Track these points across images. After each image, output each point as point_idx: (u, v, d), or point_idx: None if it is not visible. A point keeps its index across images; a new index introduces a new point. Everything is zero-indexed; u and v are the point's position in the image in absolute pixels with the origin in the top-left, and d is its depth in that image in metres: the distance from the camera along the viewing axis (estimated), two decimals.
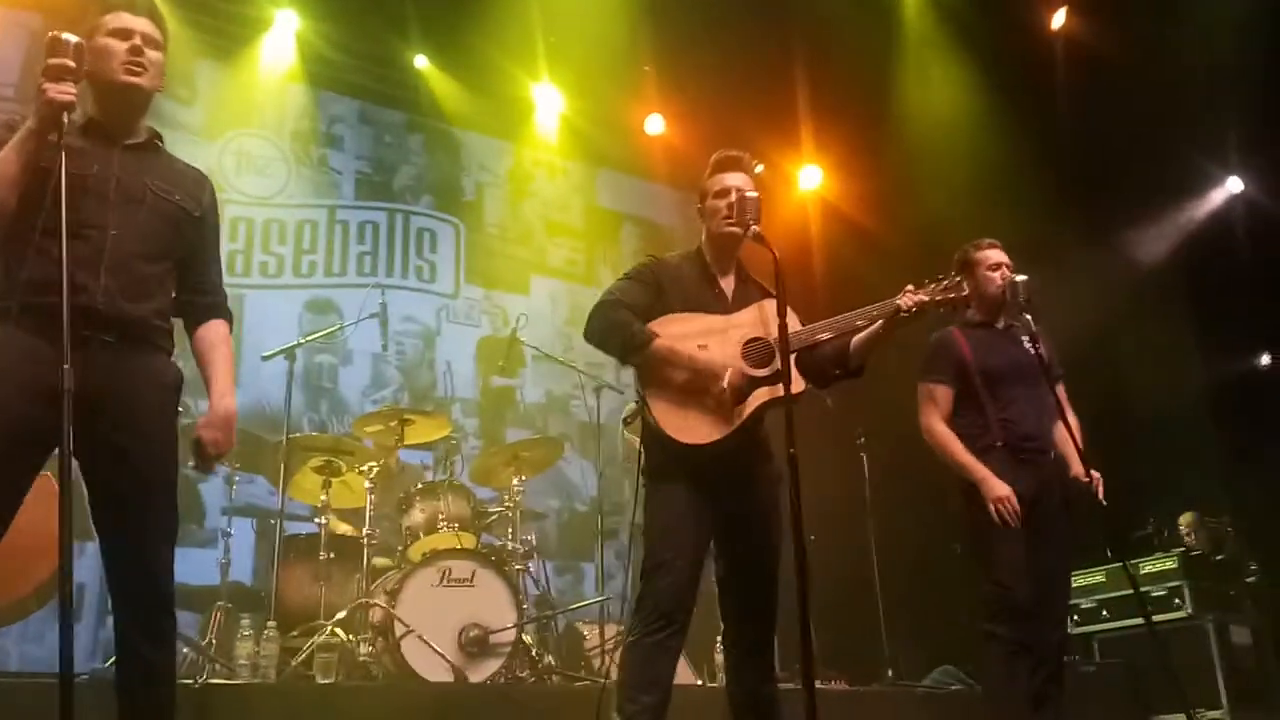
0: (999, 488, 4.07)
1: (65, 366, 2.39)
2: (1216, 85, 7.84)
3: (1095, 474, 4.21)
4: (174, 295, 3.08)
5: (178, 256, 3.06)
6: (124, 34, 2.97)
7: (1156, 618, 6.37)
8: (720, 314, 3.49)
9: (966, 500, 4.17)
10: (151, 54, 3.02)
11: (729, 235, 3.51)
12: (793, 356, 3.29)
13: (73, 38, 2.70)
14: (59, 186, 2.57)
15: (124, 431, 2.80)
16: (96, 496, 2.83)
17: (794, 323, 3.38)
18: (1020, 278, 4.17)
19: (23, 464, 2.73)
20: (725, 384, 3.29)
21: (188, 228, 3.08)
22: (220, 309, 3.21)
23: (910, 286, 3.45)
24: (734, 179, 3.55)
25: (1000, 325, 4.45)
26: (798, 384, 3.37)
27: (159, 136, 3.14)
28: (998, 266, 4.43)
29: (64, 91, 2.64)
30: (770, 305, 3.40)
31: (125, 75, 2.95)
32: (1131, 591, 6.48)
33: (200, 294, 3.17)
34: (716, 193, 3.55)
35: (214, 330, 3.17)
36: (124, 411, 2.81)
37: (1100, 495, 4.21)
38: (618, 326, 3.40)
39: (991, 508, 4.06)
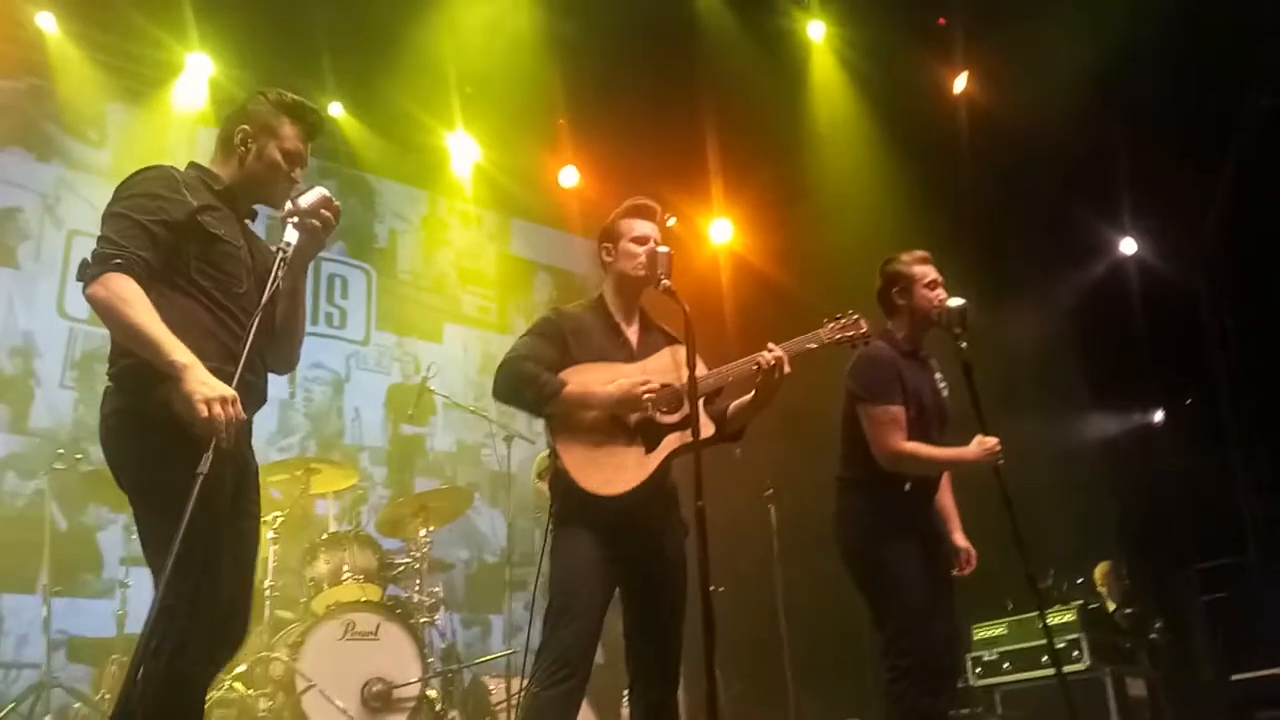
0: (980, 451, 3.88)
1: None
2: (1111, 150, 8.17)
3: (971, 551, 4.16)
4: None
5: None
6: (293, 158, 3.14)
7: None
8: (626, 362, 3.48)
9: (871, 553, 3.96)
10: None
11: (641, 280, 3.51)
12: (701, 402, 3.32)
13: None
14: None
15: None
16: None
17: (703, 368, 3.39)
18: (959, 301, 4.01)
19: None
20: (653, 392, 3.29)
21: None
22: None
23: (770, 344, 3.41)
24: (648, 227, 3.57)
25: (921, 354, 4.20)
26: (708, 428, 3.38)
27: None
28: (935, 285, 4.14)
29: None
30: (680, 351, 3.42)
31: (282, 197, 3.03)
32: (1033, 645, 6.63)
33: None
34: (634, 238, 3.54)
35: None
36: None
37: (963, 571, 4.13)
38: (527, 379, 3.37)
39: (990, 455, 3.86)
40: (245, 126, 3.06)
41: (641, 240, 3.54)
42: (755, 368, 3.40)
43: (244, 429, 2.93)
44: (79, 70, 7.12)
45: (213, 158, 3.13)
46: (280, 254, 2.84)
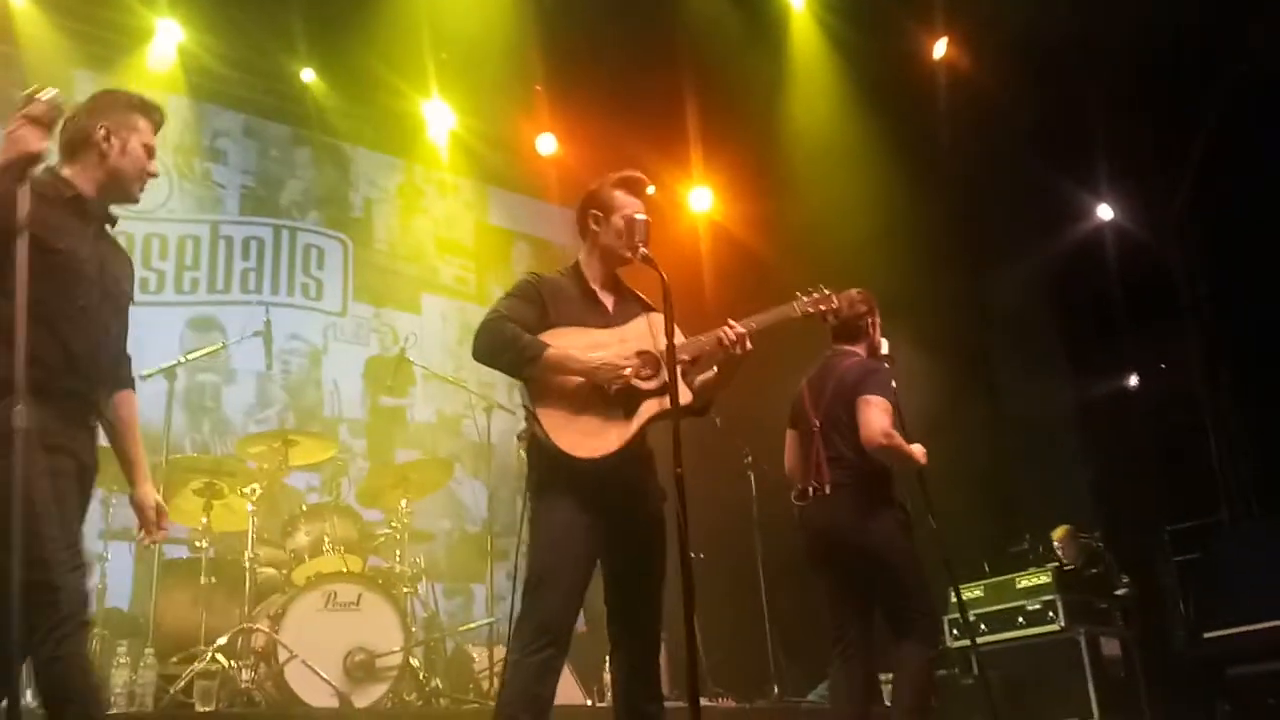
0: (921, 455, 4.29)
1: None
2: (1087, 116, 8.19)
3: None
4: None
5: (123, 342, 3.26)
6: (151, 151, 3.17)
7: (1030, 631, 6.62)
8: (603, 328, 3.48)
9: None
10: None
11: (626, 257, 3.49)
12: (680, 370, 3.34)
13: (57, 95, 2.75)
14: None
15: None
16: None
17: (681, 338, 3.41)
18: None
19: None
20: (629, 370, 3.31)
21: (126, 312, 3.26)
22: (130, 379, 3.36)
23: (730, 320, 3.44)
24: (639, 204, 3.56)
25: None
26: (686, 395, 3.40)
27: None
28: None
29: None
30: (656, 319, 3.42)
31: (138, 192, 3.15)
32: (1009, 606, 6.72)
33: (123, 368, 3.31)
34: (626, 215, 3.50)
35: (129, 404, 3.32)
36: None
37: None
38: (508, 340, 3.35)
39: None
40: (105, 124, 3.07)
41: (628, 216, 3.51)
42: (717, 342, 3.42)
43: (82, 436, 2.99)
44: (45, 35, 7.00)
45: (59, 163, 3.10)
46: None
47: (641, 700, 3.39)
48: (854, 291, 4.55)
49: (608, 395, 3.35)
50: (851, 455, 4.33)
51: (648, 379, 3.38)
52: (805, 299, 3.68)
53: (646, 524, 3.40)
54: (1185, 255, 8.62)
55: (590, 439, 3.30)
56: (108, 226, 3.18)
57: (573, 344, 3.37)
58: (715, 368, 3.52)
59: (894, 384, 4.38)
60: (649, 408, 3.36)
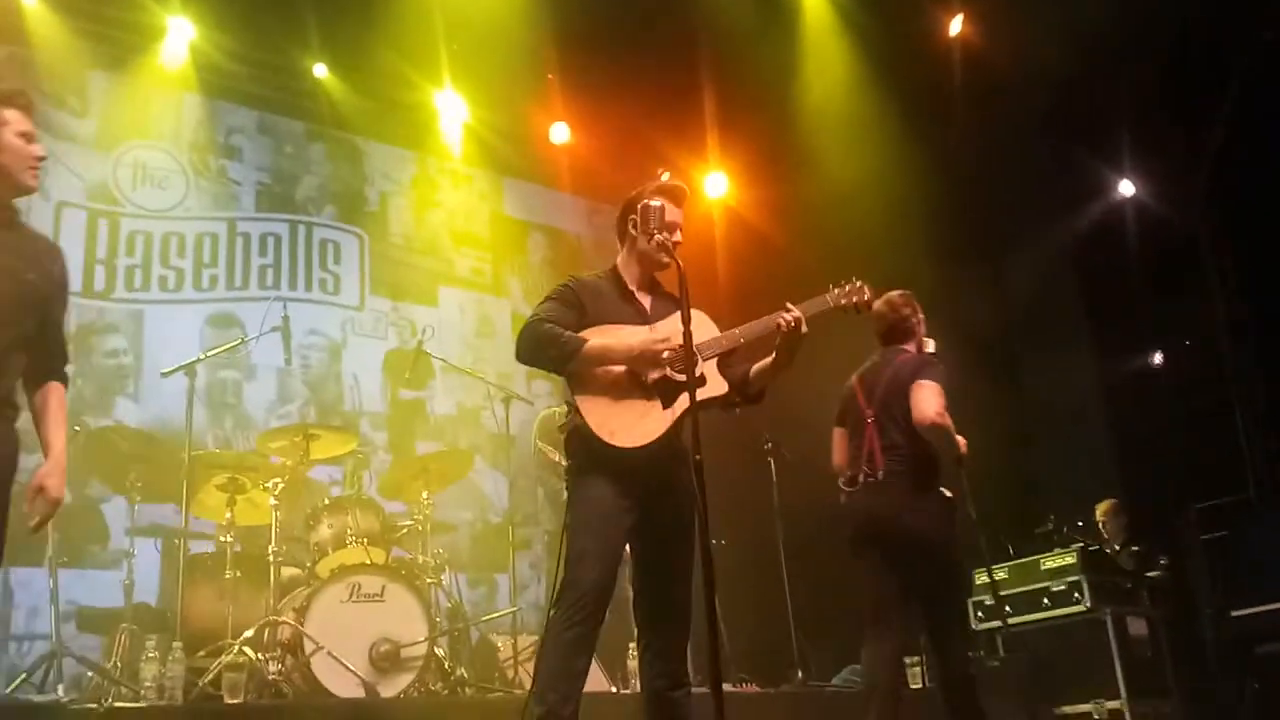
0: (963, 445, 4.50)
1: None
2: (1108, 91, 8.10)
3: None
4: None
5: (27, 331, 3.23)
6: (30, 136, 3.21)
7: (1057, 612, 6.59)
8: (641, 325, 3.60)
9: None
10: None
11: (660, 261, 3.59)
12: (714, 362, 3.52)
13: None
14: None
15: None
16: None
17: (715, 329, 3.59)
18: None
19: None
20: (671, 350, 3.41)
21: (39, 302, 3.26)
22: (59, 373, 3.39)
23: (788, 304, 3.55)
24: (679, 215, 3.65)
25: None
26: (721, 386, 3.57)
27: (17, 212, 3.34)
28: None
29: None
30: (694, 315, 3.46)
31: (31, 179, 3.22)
32: (1034, 588, 6.70)
33: (44, 359, 3.33)
34: (668, 224, 3.53)
35: (54, 393, 3.36)
36: None
37: None
38: (550, 338, 3.47)
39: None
40: None
41: (674, 227, 3.57)
42: (776, 327, 3.52)
43: None
44: (58, 37, 7.01)
45: None
46: None
47: (668, 686, 3.44)
48: (896, 295, 4.78)
49: (647, 387, 3.49)
50: (905, 443, 4.48)
51: (683, 371, 3.42)
52: (838, 290, 3.75)
53: (678, 514, 3.47)
54: (1209, 228, 8.53)
55: (629, 429, 3.44)
56: (23, 220, 3.29)
57: (612, 338, 3.50)
58: (773, 353, 3.60)
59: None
60: (686, 399, 3.39)
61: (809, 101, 8.54)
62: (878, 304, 4.58)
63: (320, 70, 8.13)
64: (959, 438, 4.46)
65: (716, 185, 9.45)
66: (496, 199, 9.26)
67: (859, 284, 3.74)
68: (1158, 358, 9.13)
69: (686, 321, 3.26)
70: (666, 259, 3.49)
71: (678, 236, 3.55)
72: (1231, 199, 8.28)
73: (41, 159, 3.24)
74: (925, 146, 8.13)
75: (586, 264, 9.45)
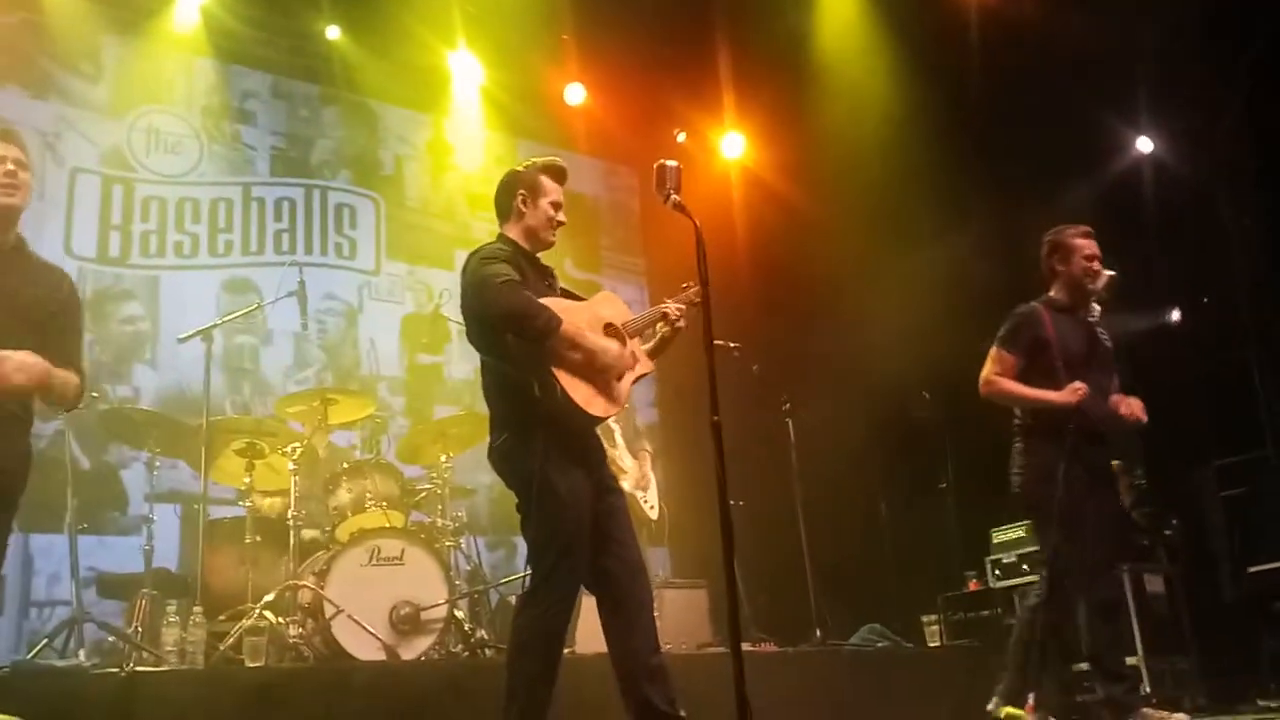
0: (1067, 394, 4.34)
1: None
2: (1127, 47, 7.99)
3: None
4: None
5: (27, 348, 3.30)
6: None
7: None
8: (572, 301, 3.78)
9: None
10: (22, 175, 3.45)
11: (546, 240, 3.85)
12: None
13: None
14: None
15: None
16: None
17: (626, 309, 3.91)
18: (1110, 272, 4.49)
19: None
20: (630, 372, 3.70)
21: (41, 320, 3.40)
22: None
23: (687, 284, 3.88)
24: (561, 194, 3.88)
25: (1080, 314, 4.62)
26: (650, 364, 3.88)
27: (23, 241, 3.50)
28: (1094, 258, 4.59)
29: None
30: (612, 296, 3.97)
31: (4, 197, 3.37)
32: None
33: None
34: (554, 202, 3.83)
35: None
36: None
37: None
38: (532, 311, 3.49)
39: (1075, 402, 4.32)
40: None
41: (557, 206, 3.83)
42: (663, 315, 3.90)
43: None
44: (70, 2, 6.99)
45: None
46: None
47: (646, 654, 3.54)
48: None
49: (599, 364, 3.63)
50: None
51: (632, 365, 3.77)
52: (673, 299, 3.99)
53: (613, 485, 3.74)
54: (1229, 186, 8.43)
55: (598, 399, 3.58)
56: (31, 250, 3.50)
57: (578, 319, 3.62)
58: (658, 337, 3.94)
59: (1040, 325, 4.54)
60: (630, 375, 3.76)
61: (826, 59, 8.45)
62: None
63: (333, 32, 8.09)
64: (1076, 385, 4.36)
65: (733, 146, 9.37)
66: (512, 161, 9.07)
67: (696, 288, 3.74)
68: (1175, 314, 9.05)
69: (704, 280, 3.30)
70: (554, 239, 3.80)
71: (563, 216, 3.82)
72: (1253, 156, 8.17)
73: (11, 177, 3.41)
74: (945, 100, 8.03)
75: (602, 226, 9.42)
